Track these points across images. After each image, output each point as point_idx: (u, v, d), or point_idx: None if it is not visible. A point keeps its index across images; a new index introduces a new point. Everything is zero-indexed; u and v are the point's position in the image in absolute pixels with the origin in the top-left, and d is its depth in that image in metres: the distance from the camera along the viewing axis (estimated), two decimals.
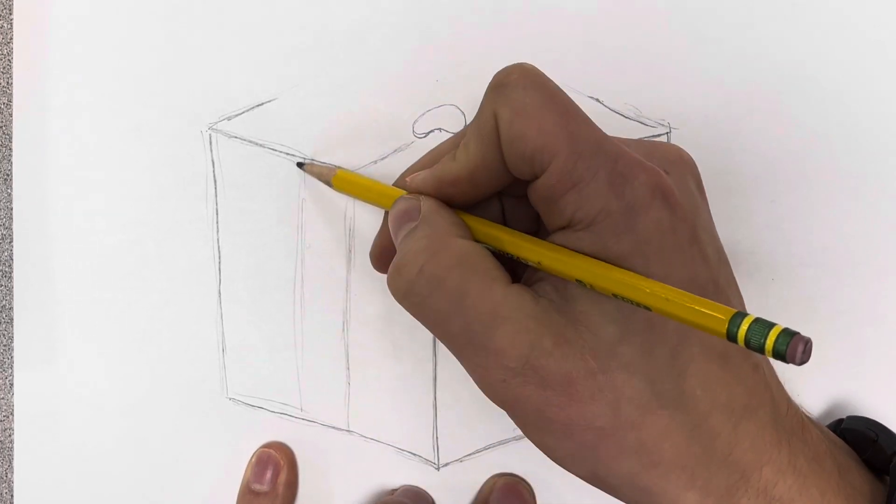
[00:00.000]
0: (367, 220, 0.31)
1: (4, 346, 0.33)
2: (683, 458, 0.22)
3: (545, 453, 0.23)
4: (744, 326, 0.18)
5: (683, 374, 0.22)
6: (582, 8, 0.31)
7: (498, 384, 0.22)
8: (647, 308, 0.20)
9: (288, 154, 0.31)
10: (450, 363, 0.31)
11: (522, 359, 0.21)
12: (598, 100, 0.31)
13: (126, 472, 0.33)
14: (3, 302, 0.33)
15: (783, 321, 0.28)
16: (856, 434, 0.27)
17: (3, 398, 0.33)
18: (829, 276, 0.31)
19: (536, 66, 0.31)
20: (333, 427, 0.32)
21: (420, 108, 0.31)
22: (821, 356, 0.31)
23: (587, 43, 0.31)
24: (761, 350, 0.17)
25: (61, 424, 0.33)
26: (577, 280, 0.22)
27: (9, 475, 0.33)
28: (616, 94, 0.31)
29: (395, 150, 0.31)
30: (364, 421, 0.32)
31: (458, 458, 0.32)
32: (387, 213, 0.26)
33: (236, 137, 0.31)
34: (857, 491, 0.23)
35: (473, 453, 0.32)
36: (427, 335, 0.31)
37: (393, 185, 0.28)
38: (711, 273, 0.22)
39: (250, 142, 0.31)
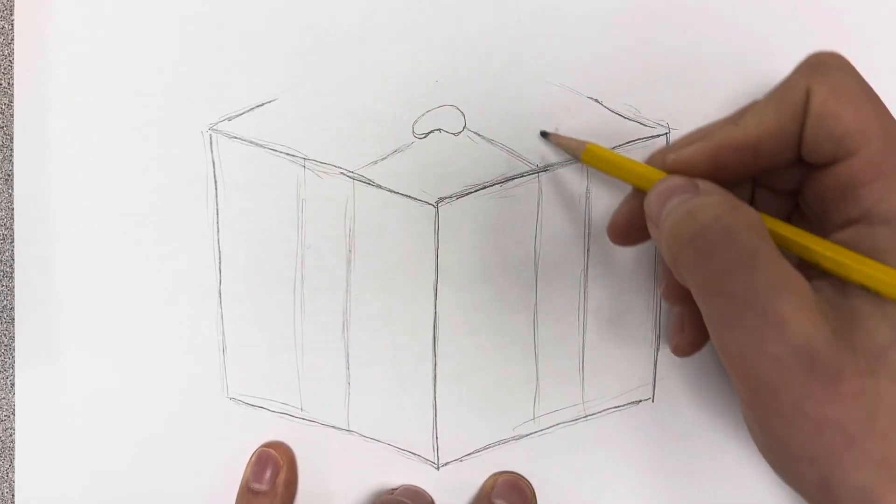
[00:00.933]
0: (368, 220, 0.31)
1: (5, 346, 0.33)
2: None
3: (775, 456, 0.22)
4: None
5: None
6: (582, 8, 0.31)
7: (768, 361, 0.21)
8: None
9: (288, 154, 0.31)
10: (450, 363, 0.32)
11: (805, 335, 0.20)
12: (597, 100, 0.31)
13: (126, 472, 0.33)
14: (4, 302, 0.33)
15: None
16: None
17: (4, 398, 0.33)
18: None
19: (537, 66, 0.31)
20: (333, 427, 0.32)
21: (420, 108, 0.31)
22: None
23: (587, 43, 0.31)
24: None
25: (62, 424, 0.33)
26: (861, 285, 0.21)
27: (10, 475, 0.33)
28: (616, 94, 0.31)
29: (395, 151, 0.31)
30: (364, 420, 0.32)
31: (457, 457, 0.32)
32: (634, 190, 0.26)
33: (236, 138, 0.32)
34: None
35: (473, 453, 0.32)
36: (428, 334, 0.31)
37: (646, 163, 0.27)
38: None
39: (250, 142, 0.31)
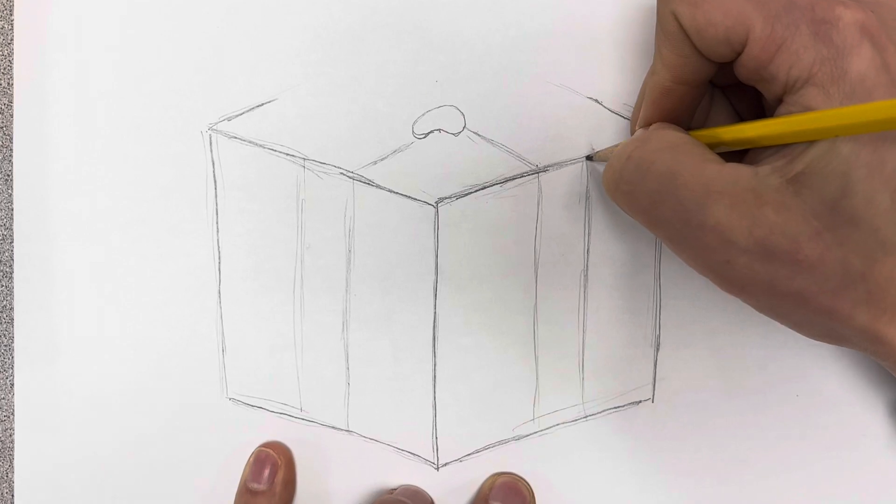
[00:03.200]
0: (368, 220, 0.31)
1: (5, 346, 0.33)
2: None
3: (780, 322, 0.23)
4: None
5: None
6: (582, 8, 0.31)
7: (722, 266, 0.22)
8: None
9: (288, 154, 0.31)
10: (450, 363, 0.32)
11: (744, 231, 0.21)
12: (597, 100, 0.31)
13: (126, 472, 0.33)
14: (4, 302, 0.33)
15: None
16: None
17: (3, 398, 0.33)
18: None
19: (537, 66, 0.31)
20: (333, 427, 0.32)
21: (420, 108, 0.31)
22: None
23: (587, 43, 0.31)
24: None
25: (61, 424, 0.33)
26: (804, 136, 0.21)
27: (9, 475, 0.33)
28: (616, 94, 0.31)
29: (395, 151, 0.31)
30: (363, 421, 0.32)
31: (457, 457, 0.32)
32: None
33: (236, 137, 0.32)
34: None
35: (473, 453, 0.32)
36: (428, 334, 0.31)
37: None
38: None
39: (250, 142, 0.31)
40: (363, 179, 0.31)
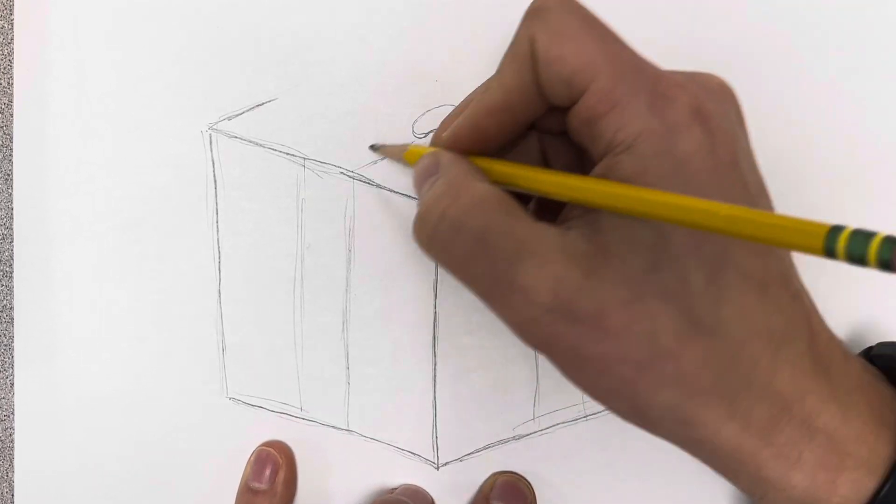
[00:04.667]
0: (368, 221, 0.31)
1: (4, 345, 0.33)
2: (723, 386, 0.21)
3: (584, 391, 0.22)
4: (843, 239, 0.16)
5: (720, 302, 0.21)
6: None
7: (529, 325, 0.22)
8: (713, 231, 0.19)
9: (288, 154, 0.31)
10: (450, 363, 0.32)
11: (550, 293, 0.21)
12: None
13: (126, 472, 0.33)
14: (4, 302, 0.33)
15: None
16: (885, 360, 0.26)
17: (3, 398, 0.33)
18: (828, 275, 0.31)
19: None
20: (333, 427, 0.32)
21: (420, 108, 0.31)
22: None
23: None
24: (863, 261, 0.16)
25: (61, 424, 0.33)
26: (612, 208, 0.21)
27: (9, 474, 0.33)
28: None
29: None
30: (364, 420, 0.32)
31: (457, 457, 0.32)
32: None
33: (236, 137, 0.32)
34: None
35: (473, 453, 0.32)
36: (428, 334, 0.31)
37: (430, 145, 0.27)
38: (752, 201, 0.22)
39: (250, 142, 0.31)
40: (363, 179, 0.31)
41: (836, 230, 0.16)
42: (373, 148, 0.31)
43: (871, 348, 0.28)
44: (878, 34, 0.31)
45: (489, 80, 0.25)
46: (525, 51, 0.23)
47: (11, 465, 0.33)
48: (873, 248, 0.16)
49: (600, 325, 0.21)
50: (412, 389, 0.32)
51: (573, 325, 0.21)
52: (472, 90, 0.27)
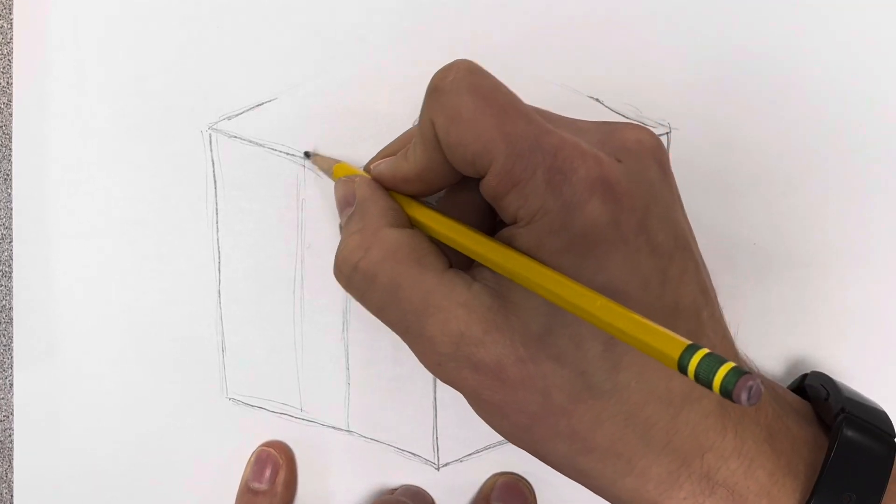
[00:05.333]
0: None
1: (4, 346, 0.33)
2: (618, 446, 0.22)
3: (495, 429, 0.24)
4: (694, 361, 0.17)
5: (617, 366, 0.22)
6: (582, 8, 0.31)
7: (435, 367, 0.23)
8: (584, 318, 0.20)
9: (288, 154, 0.31)
10: None
11: (453, 346, 0.22)
12: (597, 100, 0.31)
13: (126, 472, 0.33)
14: (3, 302, 0.33)
15: (781, 321, 0.28)
16: (813, 391, 0.27)
17: (3, 398, 0.33)
18: (828, 275, 0.31)
19: (537, 66, 0.31)
20: (333, 427, 0.32)
21: (420, 108, 0.31)
22: (820, 356, 0.31)
23: (587, 43, 0.31)
24: (709, 386, 0.16)
25: (61, 424, 0.33)
26: (505, 273, 0.22)
27: (9, 475, 0.33)
28: (616, 94, 0.31)
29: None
30: (364, 421, 0.32)
31: (458, 457, 0.32)
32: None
33: (236, 137, 0.31)
34: (810, 466, 0.23)
35: (473, 453, 0.32)
36: None
37: (363, 168, 0.28)
38: (659, 263, 0.22)
39: (250, 141, 0.31)
40: None
41: (691, 350, 0.17)
42: (306, 155, 0.31)
43: (805, 376, 0.28)
44: (877, 35, 0.31)
45: (408, 150, 0.25)
46: (430, 134, 0.23)
47: (11, 465, 0.33)
48: (719, 375, 0.16)
49: (498, 377, 0.22)
50: (412, 389, 0.32)
51: (474, 373, 0.22)
52: (408, 128, 0.28)
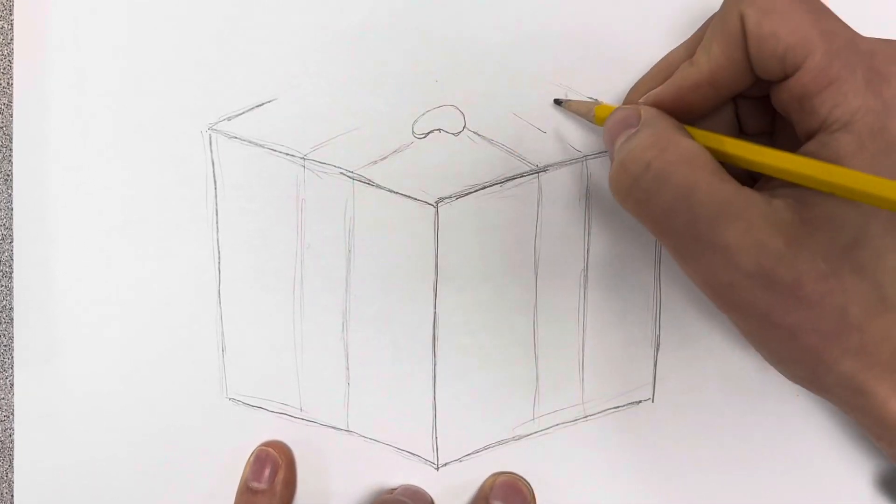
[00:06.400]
0: (368, 221, 0.31)
1: (4, 346, 0.33)
2: None
3: (765, 356, 0.23)
4: None
5: None
6: (582, 8, 0.31)
7: (725, 288, 0.22)
8: None
9: (288, 154, 0.31)
10: (450, 363, 0.32)
11: (752, 258, 0.21)
12: (597, 100, 0.31)
13: (126, 472, 0.33)
14: (3, 302, 0.33)
15: None
16: None
17: (3, 398, 0.33)
18: None
19: (537, 66, 0.31)
20: (333, 427, 0.32)
21: (420, 108, 0.31)
22: None
23: (587, 43, 0.31)
24: None
25: (61, 424, 0.33)
26: (825, 189, 0.21)
27: (9, 475, 0.33)
28: (616, 93, 0.31)
29: (395, 151, 0.31)
30: (363, 421, 0.32)
31: (457, 457, 0.32)
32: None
33: (236, 137, 0.32)
34: None
35: (473, 453, 0.32)
36: (428, 334, 0.31)
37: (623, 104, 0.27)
38: None
39: (250, 142, 0.31)
40: (363, 179, 0.31)
41: None
42: (557, 102, 0.30)
43: None
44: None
45: (696, 55, 0.24)
46: (734, 27, 0.23)
47: (11, 465, 0.33)
48: None
49: (795, 295, 0.21)
50: (412, 389, 0.32)
51: (769, 293, 0.21)
52: (663, 56, 0.27)
